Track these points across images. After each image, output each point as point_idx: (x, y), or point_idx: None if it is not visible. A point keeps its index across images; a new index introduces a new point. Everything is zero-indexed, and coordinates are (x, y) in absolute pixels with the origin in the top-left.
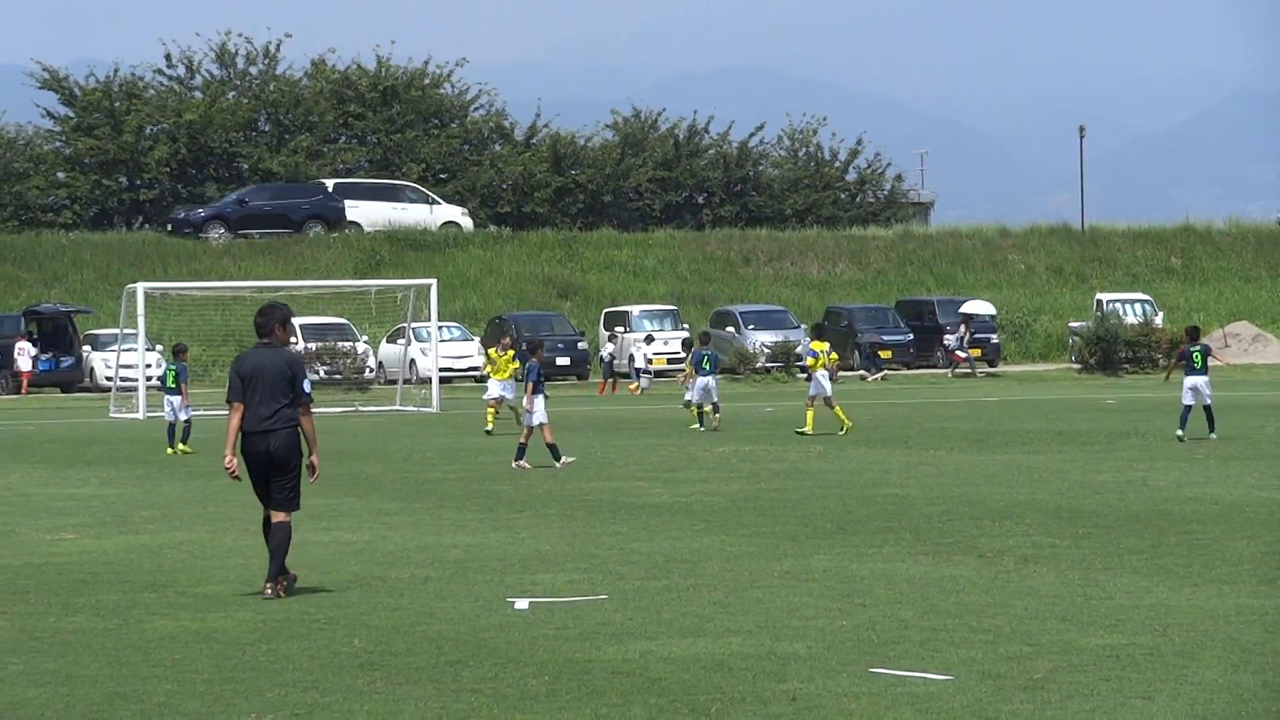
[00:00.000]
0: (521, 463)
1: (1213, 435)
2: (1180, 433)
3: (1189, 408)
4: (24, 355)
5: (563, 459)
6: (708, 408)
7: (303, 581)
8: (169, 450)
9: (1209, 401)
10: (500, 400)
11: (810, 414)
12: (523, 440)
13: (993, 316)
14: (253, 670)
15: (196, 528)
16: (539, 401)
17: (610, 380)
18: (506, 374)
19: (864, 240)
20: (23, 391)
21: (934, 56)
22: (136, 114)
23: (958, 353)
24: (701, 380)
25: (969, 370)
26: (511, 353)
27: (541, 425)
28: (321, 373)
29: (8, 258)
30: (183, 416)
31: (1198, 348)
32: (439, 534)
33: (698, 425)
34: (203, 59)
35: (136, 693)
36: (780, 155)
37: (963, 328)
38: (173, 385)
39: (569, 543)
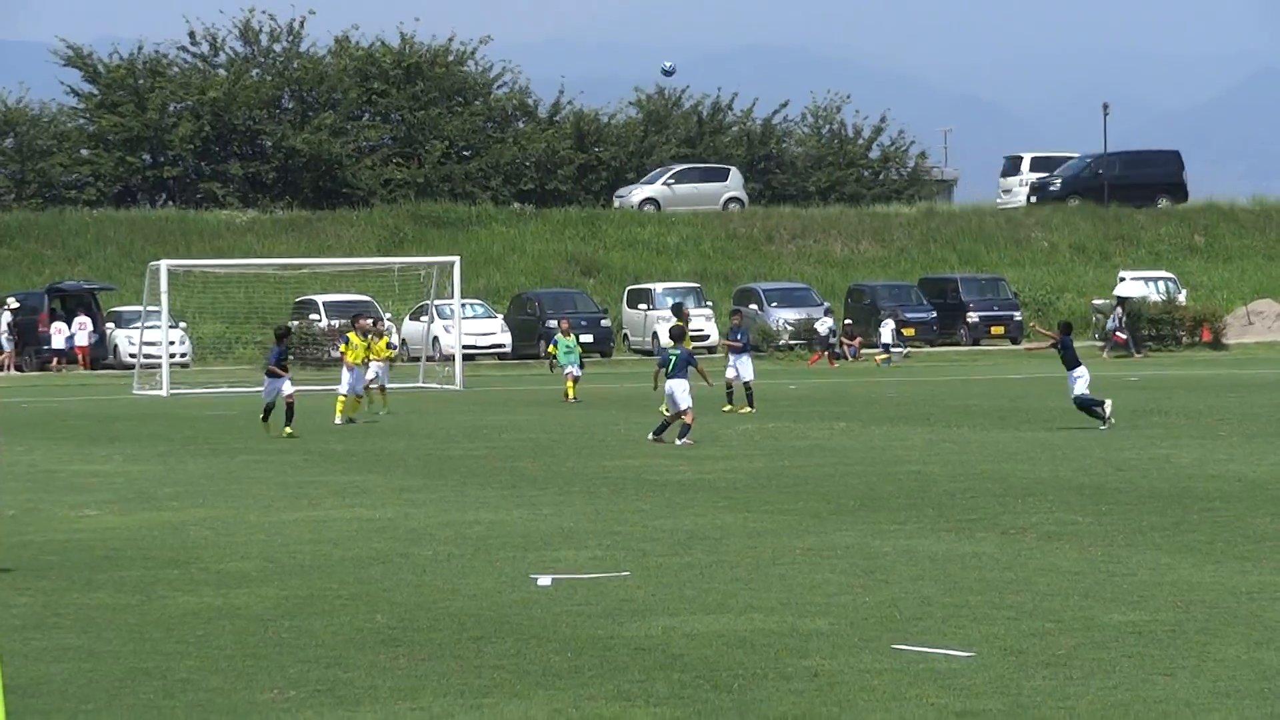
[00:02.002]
0: (687, 440)
1: (1110, 421)
2: (1109, 420)
3: (1087, 396)
4: (83, 331)
5: (684, 440)
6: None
7: (326, 557)
8: (286, 430)
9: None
10: (374, 381)
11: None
12: (688, 420)
13: (1144, 298)
14: (275, 646)
15: (219, 504)
16: (679, 384)
17: (826, 353)
18: (375, 355)
19: (887, 218)
20: (81, 366)
21: (959, 34)
22: (160, 91)
23: (1118, 334)
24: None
25: (1126, 352)
26: (386, 339)
27: (688, 409)
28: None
29: (32, 235)
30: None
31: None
32: (462, 511)
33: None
34: (227, 36)
35: (159, 668)
36: (804, 133)
37: (1119, 309)
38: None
39: (592, 519)
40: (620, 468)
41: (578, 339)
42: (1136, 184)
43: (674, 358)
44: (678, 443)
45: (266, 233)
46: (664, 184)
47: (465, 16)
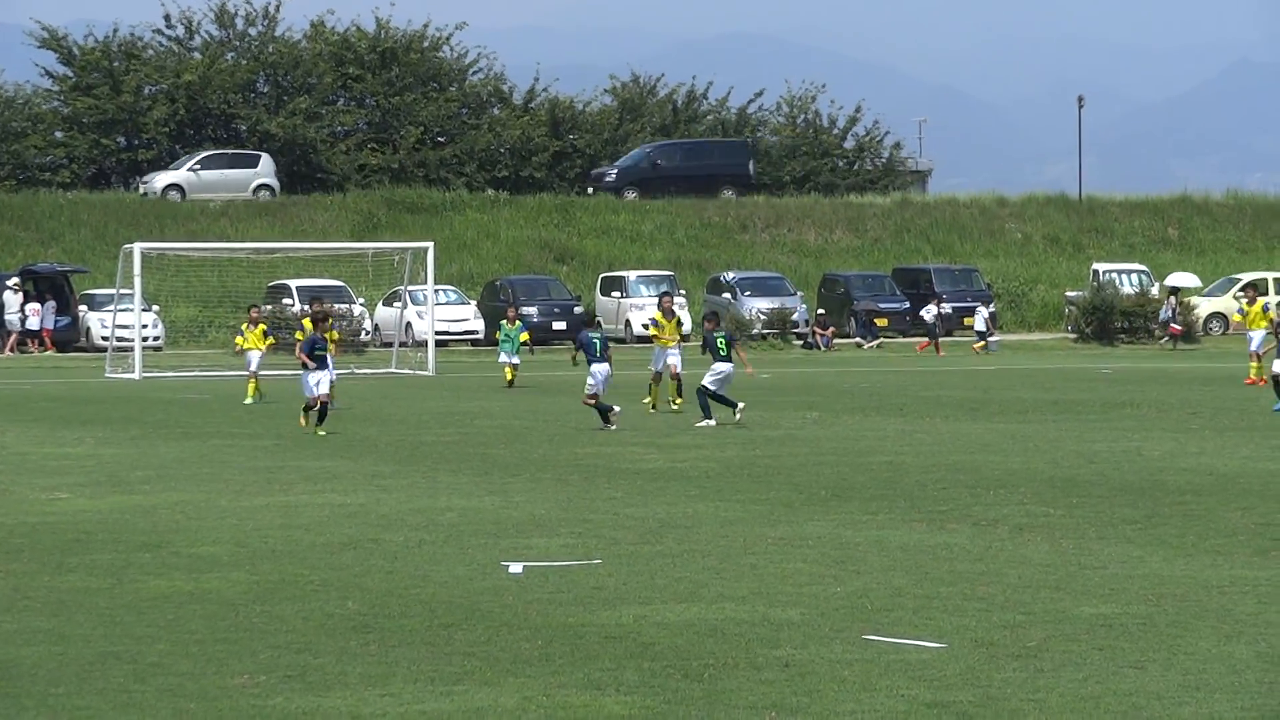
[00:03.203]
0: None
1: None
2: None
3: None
4: (49, 314)
5: (615, 418)
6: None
7: (297, 542)
8: (319, 431)
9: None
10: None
11: (672, 386)
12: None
13: (1197, 288)
14: (246, 631)
15: (191, 488)
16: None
17: (933, 341)
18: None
19: (861, 208)
20: (48, 348)
21: (935, 24)
22: (135, 74)
23: (1173, 325)
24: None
25: (1172, 344)
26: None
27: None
28: None
29: (4, 216)
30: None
31: (722, 334)
32: (433, 497)
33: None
34: (202, 20)
35: (130, 652)
36: (779, 122)
37: (1172, 299)
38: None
39: (563, 507)
40: (592, 455)
41: (522, 327)
42: (700, 175)
43: (598, 341)
44: (611, 427)
45: (240, 216)
46: (190, 170)
47: (440, 2)
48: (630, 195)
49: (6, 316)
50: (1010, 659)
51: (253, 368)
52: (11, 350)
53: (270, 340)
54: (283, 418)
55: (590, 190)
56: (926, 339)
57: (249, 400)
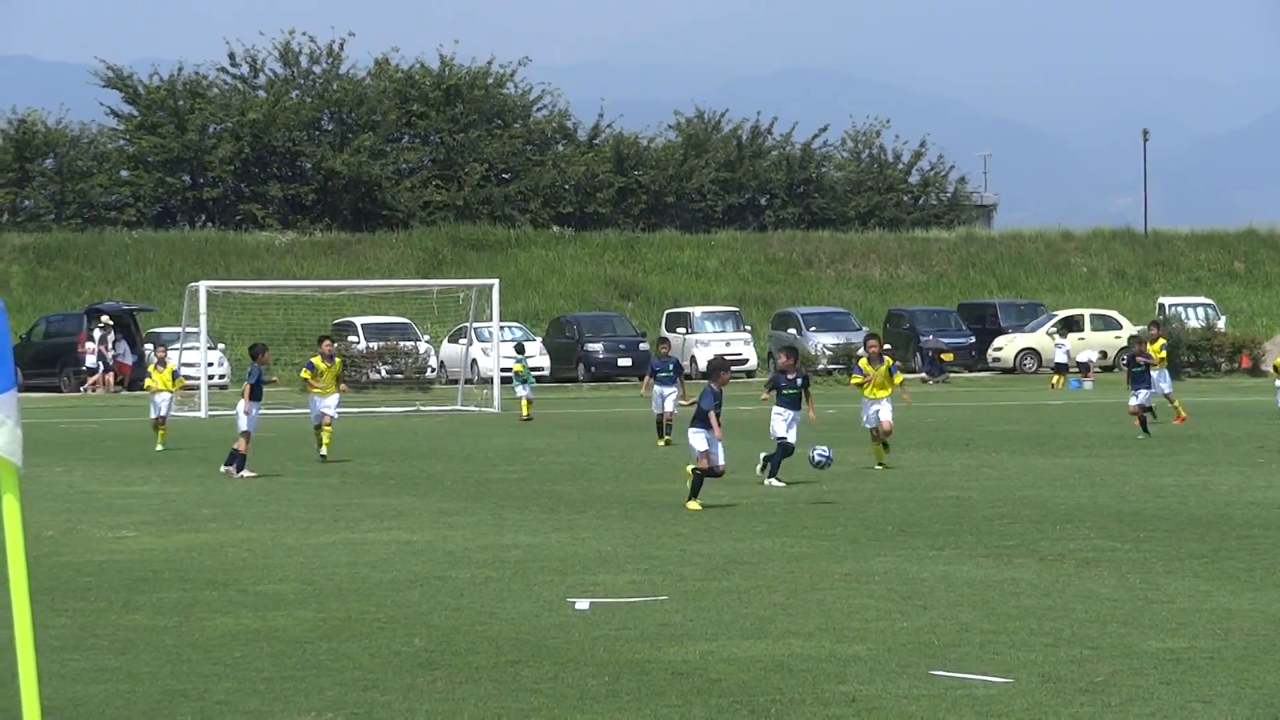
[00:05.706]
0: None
1: None
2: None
3: None
4: (124, 351)
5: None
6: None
7: (363, 580)
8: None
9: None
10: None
11: (877, 448)
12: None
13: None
14: (313, 669)
15: (258, 526)
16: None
17: (1060, 376)
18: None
19: (926, 242)
20: (124, 388)
21: (999, 58)
22: (200, 113)
23: None
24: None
25: None
26: (340, 361)
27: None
28: (383, 372)
29: (71, 255)
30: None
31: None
32: (500, 534)
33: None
34: (266, 58)
35: (197, 690)
36: (843, 157)
37: None
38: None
39: (630, 543)
40: (659, 491)
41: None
42: None
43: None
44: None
45: (305, 254)
46: None
47: (504, 39)
48: None
49: (107, 355)
50: (1077, 694)
51: (161, 411)
52: (107, 388)
53: (180, 381)
54: (350, 457)
55: None
56: (1081, 372)
57: (159, 448)
